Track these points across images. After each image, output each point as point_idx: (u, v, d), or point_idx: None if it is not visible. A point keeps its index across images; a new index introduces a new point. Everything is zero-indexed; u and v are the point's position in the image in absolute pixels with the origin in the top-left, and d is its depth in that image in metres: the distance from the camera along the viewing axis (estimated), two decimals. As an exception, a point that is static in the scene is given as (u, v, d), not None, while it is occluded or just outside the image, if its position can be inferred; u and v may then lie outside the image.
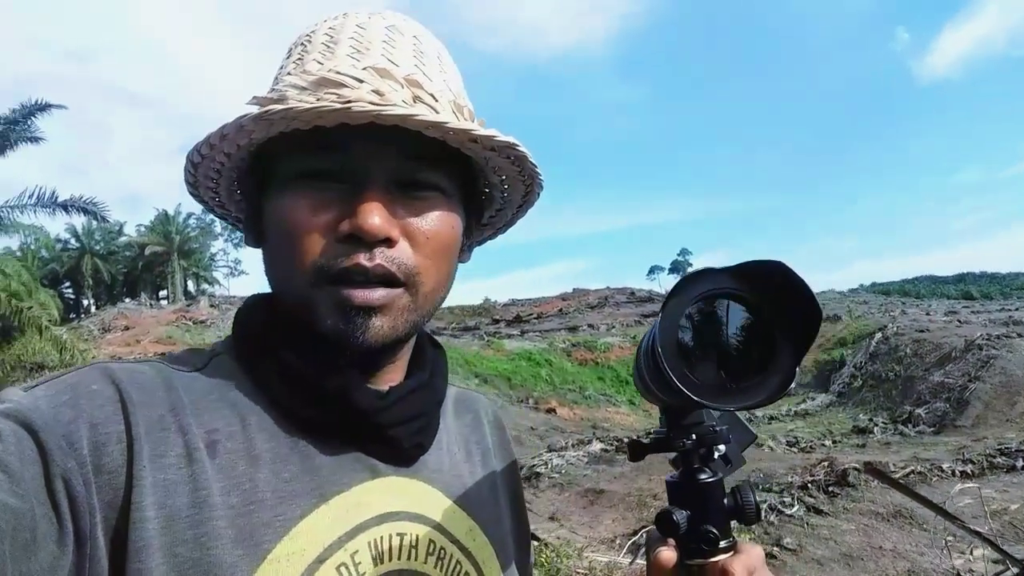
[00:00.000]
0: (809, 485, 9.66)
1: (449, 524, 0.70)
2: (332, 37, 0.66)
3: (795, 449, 14.39)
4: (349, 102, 0.58)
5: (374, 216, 0.60)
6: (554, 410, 23.31)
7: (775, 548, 7.53)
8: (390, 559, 0.64)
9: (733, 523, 0.62)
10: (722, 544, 0.60)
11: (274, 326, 0.66)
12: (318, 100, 0.59)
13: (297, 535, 0.59)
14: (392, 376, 0.71)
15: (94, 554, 0.51)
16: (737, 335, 0.57)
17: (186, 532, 0.54)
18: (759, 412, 20.93)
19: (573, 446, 15.12)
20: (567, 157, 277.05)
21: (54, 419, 0.53)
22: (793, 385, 0.55)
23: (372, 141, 0.61)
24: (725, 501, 0.62)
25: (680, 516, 0.60)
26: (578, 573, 5.89)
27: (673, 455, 0.64)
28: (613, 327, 35.33)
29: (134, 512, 0.53)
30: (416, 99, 0.63)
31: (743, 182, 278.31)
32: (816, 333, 0.55)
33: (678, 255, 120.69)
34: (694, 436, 0.62)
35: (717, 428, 0.63)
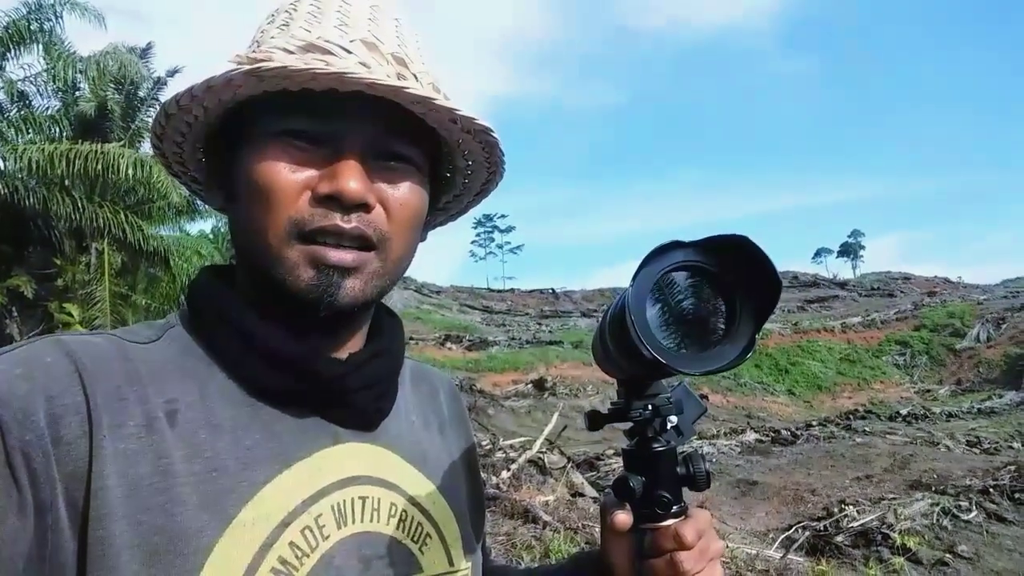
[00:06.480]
0: (991, 490, 8.89)
1: (410, 488, 0.72)
2: (319, 8, 0.68)
3: (976, 450, 13.26)
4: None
5: (355, 180, 0.61)
6: (705, 396, 22.65)
7: (947, 555, 6.99)
8: (353, 522, 0.66)
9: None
10: (674, 509, 0.65)
11: (232, 295, 0.67)
12: (306, 64, 0.60)
13: (261, 500, 0.60)
14: (352, 344, 0.72)
15: (56, 524, 0.53)
16: (701, 305, 0.60)
17: (150, 499, 0.56)
18: (935, 409, 19.25)
19: (725, 435, 14.76)
20: (726, 137, 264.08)
21: (9, 393, 0.53)
22: (752, 353, 0.58)
23: (356, 109, 0.63)
24: (678, 469, 0.66)
25: (636, 482, 0.65)
26: (724, 562, 5.76)
27: (629, 425, 0.67)
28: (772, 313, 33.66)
29: (95, 481, 0.54)
30: (400, 76, 0.64)
31: (935, 158, 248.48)
32: (776, 303, 0.58)
33: (848, 236, 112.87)
34: (651, 406, 0.65)
35: (672, 399, 0.67)
